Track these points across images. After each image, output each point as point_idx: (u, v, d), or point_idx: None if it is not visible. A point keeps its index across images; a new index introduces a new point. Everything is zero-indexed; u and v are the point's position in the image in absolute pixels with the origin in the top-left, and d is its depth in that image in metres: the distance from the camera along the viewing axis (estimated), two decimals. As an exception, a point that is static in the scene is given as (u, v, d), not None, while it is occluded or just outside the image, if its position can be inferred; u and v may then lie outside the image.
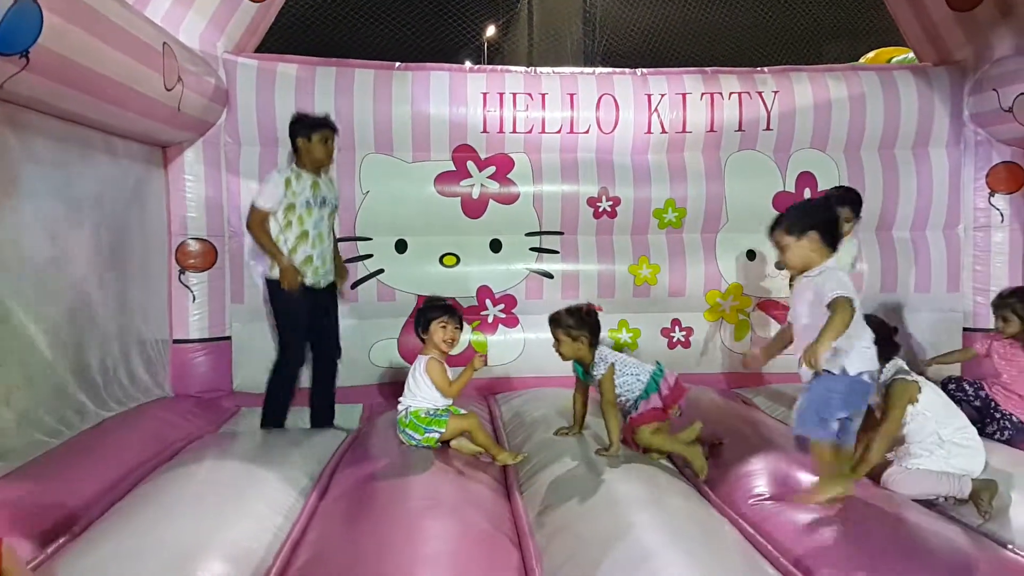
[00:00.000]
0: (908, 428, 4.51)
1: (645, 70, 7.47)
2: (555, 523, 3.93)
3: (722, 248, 7.38)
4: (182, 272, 6.73)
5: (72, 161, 5.26)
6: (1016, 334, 5.55)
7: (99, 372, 5.61)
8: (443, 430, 5.02)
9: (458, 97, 7.11)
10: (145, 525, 3.69)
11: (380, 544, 3.56)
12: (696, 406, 5.80)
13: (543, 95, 7.20)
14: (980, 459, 4.46)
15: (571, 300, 6.80)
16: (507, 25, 21.46)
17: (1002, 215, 7.31)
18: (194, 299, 6.77)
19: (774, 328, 7.13)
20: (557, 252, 7.32)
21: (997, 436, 5.33)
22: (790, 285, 5.30)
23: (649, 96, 7.25)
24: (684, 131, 7.29)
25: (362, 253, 7.10)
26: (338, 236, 6.44)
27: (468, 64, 7.83)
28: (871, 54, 13.56)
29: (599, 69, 7.86)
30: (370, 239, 7.12)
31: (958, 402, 4.87)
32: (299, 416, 6.05)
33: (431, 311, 5.28)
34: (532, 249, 7.31)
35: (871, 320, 4.85)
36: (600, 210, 7.26)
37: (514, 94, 7.17)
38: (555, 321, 5.15)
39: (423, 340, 5.30)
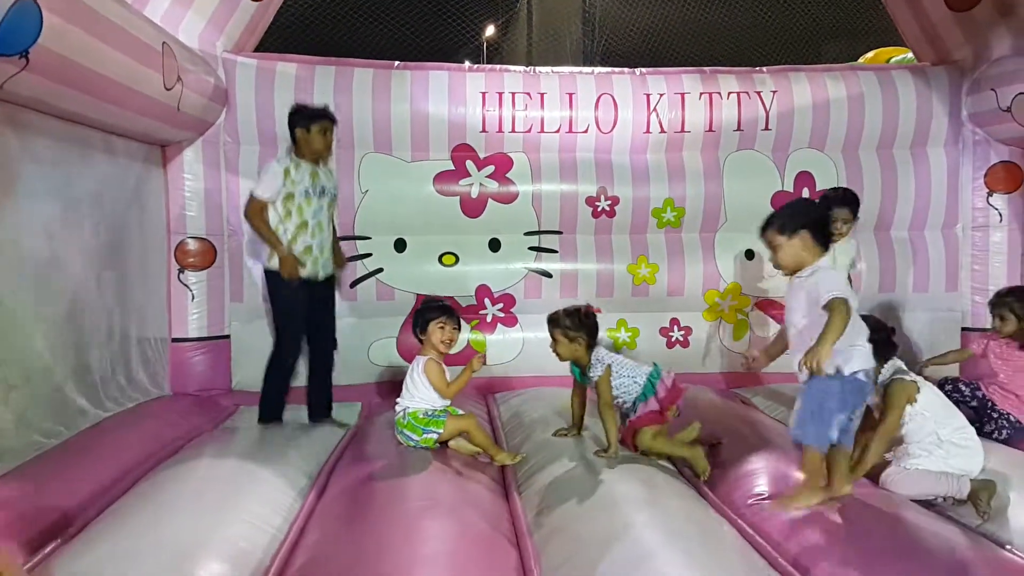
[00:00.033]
0: (907, 428, 4.52)
1: (644, 70, 7.48)
2: (553, 523, 3.94)
3: (721, 248, 7.39)
4: (181, 271, 6.74)
5: (72, 160, 5.26)
6: (1013, 333, 5.55)
7: (98, 371, 5.61)
8: (441, 431, 5.03)
9: (457, 96, 7.12)
10: (142, 525, 3.70)
11: (378, 545, 3.57)
12: (694, 406, 5.81)
13: (542, 95, 7.21)
14: (979, 459, 4.46)
15: (570, 299, 6.84)
16: (506, 25, 21.48)
17: (1000, 215, 7.32)
18: (193, 298, 6.78)
19: (773, 328, 7.14)
20: (556, 251, 7.32)
21: (995, 435, 5.33)
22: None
23: (648, 96, 7.26)
24: (683, 131, 7.29)
25: (361, 252, 7.10)
26: (337, 229, 6.44)
27: (467, 64, 7.82)
28: (870, 54, 13.57)
29: (598, 69, 7.85)
30: (369, 238, 7.13)
31: (955, 403, 4.86)
32: (297, 414, 6.05)
33: (429, 312, 5.29)
34: (531, 248, 7.31)
35: (869, 320, 4.86)
36: (599, 209, 7.27)
37: (513, 94, 7.17)
38: (553, 322, 5.15)
39: (421, 341, 5.30)
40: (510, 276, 7.28)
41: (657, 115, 7.24)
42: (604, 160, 7.31)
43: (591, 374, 5.04)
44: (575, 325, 5.07)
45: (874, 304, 7.18)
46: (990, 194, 7.33)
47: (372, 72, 7.08)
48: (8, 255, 4.58)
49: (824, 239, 4.06)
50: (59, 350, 5.12)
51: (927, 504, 4.31)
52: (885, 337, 4.73)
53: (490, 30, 21.36)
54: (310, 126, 5.86)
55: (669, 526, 3.72)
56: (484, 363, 5.73)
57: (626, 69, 7.52)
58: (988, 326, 5.88)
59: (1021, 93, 6.49)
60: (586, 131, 7.26)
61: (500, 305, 7.29)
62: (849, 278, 6.34)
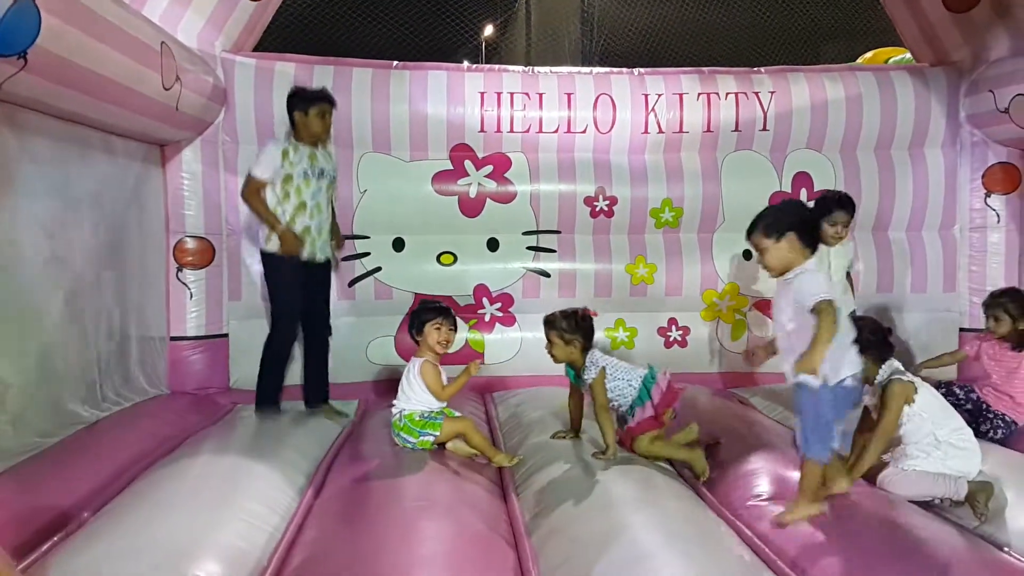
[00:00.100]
0: (904, 429, 4.51)
1: (642, 70, 7.48)
2: (551, 524, 3.94)
3: (719, 248, 7.39)
4: (180, 269, 6.74)
5: (71, 160, 5.26)
6: (1007, 334, 5.56)
7: (96, 370, 5.62)
8: (438, 433, 5.02)
9: (456, 96, 7.12)
10: (139, 524, 3.69)
11: (376, 544, 3.57)
12: (692, 406, 5.82)
13: (540, 95, 7.21)
14: (976, 461, 4.46)
15: (568, 299, 6.87)
16: (505, 25, 21.48)
17: (998, 215, 7.33)
18: (191, 296, 6.78)
19: (771, 327, 7.12)
20: (554, 251, 7.32)
21: (991, 435, 5.33)
22: None
23: (646, 96, 7.26)
24: (681, 131, 7.30)
25: (360, 251, 7.10)
26: (336, 211, 6.48)
27: (466, 63, 7.83)
28: (868, 54, 13.56)
29: (596, 69, 7.85)
30: (368, 237, 7.13)
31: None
32: (294, 406, 6.08)
33: (425, 313, 5.28)
34: (529, 248, 7.31)
35: (866, 321, 4.87)
36: (597, 209, 7.27)
37: (511, 94, 7.18)
38: (549, 323, 5.15)
39: (417, 342, 5.30)
40: (508, 276, 7.28)
41: (655, 115, 7.25)
42: (602, 160, 7.32)
43: (585, 376, 5.04)
44: (571, 327, 5.06)
45: (872, 304, 7.19)
46: (988, 195, 7.34)
47: (371, 72, 7.08)
48: (7, 255, 4.58)
49: (812, 241, 4.02)
50: (57, 349, 5.13)
51: (925, 505, 4.31)
52: (882, 338, 4.72)
53: (489, 30, 21.37)
54: (308, 109, 5.89)
55: (667, 527, 3.72)
56: (483, 362, 5.74)
57: (624, 69, 7.52)
58: (984, 327, 5.88)
59: (1019, 94, 6.50)
60: (584, 131, 7.26)
61: (498, 305, 7.29)
62: (849, 278, 6.37)
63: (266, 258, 6.00)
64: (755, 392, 6.89)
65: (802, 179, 7.37)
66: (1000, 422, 5.42)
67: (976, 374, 5.82)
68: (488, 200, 7.20)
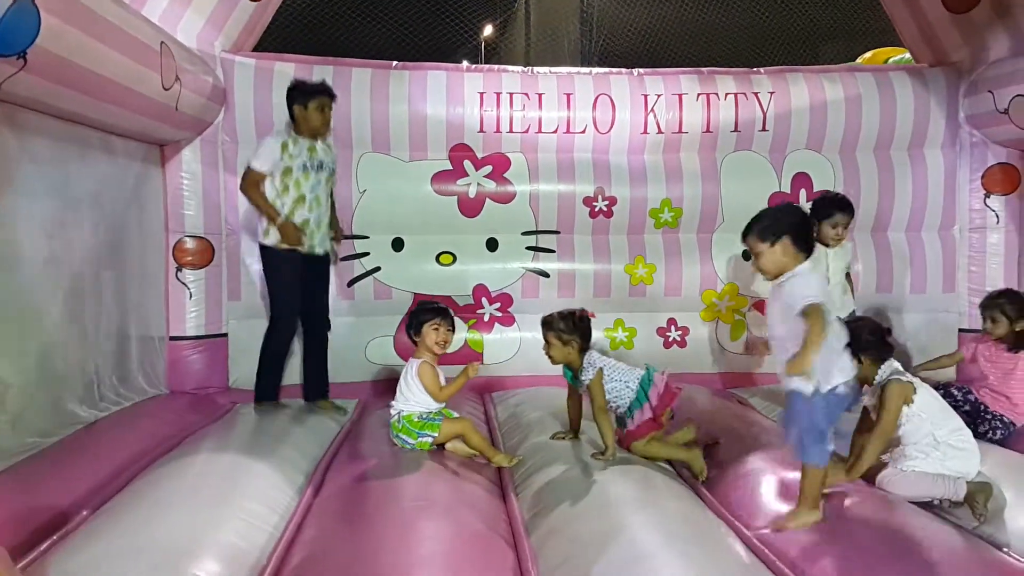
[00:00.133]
0: (904, 429, 4.51)
1: (641, 70, 7.48)
2: (550, 524, 3.94)
3: (718, 248, 7.39)
4: (179, 269, 6.74)
5: (70, 160, 5.27)
6: (1003, 335, 5.56)
7: (95, 370, 5.62)
8: (436, 434, 5.02)
9: (455, 96, 7.12)
10: (138, 523, 3.69)
11: (375, 544, 3.58)
12: (691, 406, 5.82)
13: (540, 95, 7.21)
14: (975, 461, 4.45)
15: (567, 299, 6.88)
16: (504, 25, 21.47)
17: (997, 216, 7.33)
18: (191, 296, 6.78)
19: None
20: (553, 251, 7.32)
21: (990, 436, 5.32)
22: None
23: (645, 96, 7.26)
24: (680, 131, 7.30)
25: (359, 251, 7.11)
26: (336, 203, 6.52)
27: (465, 64, 7.83)
28: (868, 54, 13.56)
29: (596, 69, 7.86)
30: (367, 237, 7.13)
31: (948, 408, 4.86)
32: (294, 415, 6.06)
33: (423, 313, 5.28)
34: (528, 248, 7.32)
35: (865, 321, 4.88)
36: (596, 210, 7.27)
37: (511, 94, 7.18)
38: (547, 324, 5.14)
39: (415, 343, 5.30)
40: (507, 276, 7.29)
41: (655, 116, 7.25)
42: (602, 160, 7.32)
43: (583, 377, 5.03)
44: (569, 328, 5.05)
45: (871, 305, 7.19)
46: (987, 196, 7.34)
47: (370, 72, 7.09)
48: (6, 254, 4.58)
49: (806, 245, 4.00)
50: (57, 349, 5.13)
51: (924, 506, 4.30)
52: (881, 338, 4.73)
53: (488, 30, 21.35)
54: (307, 103, 5.91)
55: (666, 527, 3.72)
56: (482, 362, 5.73)
57: (624, 70, 7.52)
58: (981, 328, 5.86)
59: (1019, 95, 6.50)
60: (584, 131, 7.26)
61: (497, 305, 7.29)
62: (848, 279, 6.37)
63: (264, 252, 6.03)
64: (754, 392, 6.89)
65: (801, 179, 7.37)
66: (998, 423, 5.42)
67: (972, 375, 5.82)
68: (487, 200, 7.21)
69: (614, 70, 7.55)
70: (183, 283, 6.76)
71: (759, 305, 7.36)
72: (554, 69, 7.64)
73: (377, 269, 7.13)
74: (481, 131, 7.17)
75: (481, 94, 7.15)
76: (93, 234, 5.55)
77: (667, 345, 7.43)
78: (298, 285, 6.04)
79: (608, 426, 4.89)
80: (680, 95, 7.27)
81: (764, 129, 7.33)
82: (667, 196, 7.29)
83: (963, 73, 7.32)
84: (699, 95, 7.28)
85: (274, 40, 8.14)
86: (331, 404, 6.27)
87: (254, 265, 6.75)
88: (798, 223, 4.06)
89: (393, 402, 5.19)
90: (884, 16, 8.01)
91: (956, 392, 5.58)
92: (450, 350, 5.34)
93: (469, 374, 5.05)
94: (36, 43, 3.93)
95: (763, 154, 7.41)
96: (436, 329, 5.18)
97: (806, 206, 6.15)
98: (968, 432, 4.57)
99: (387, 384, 6.59)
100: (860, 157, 7.41)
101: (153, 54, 5.35)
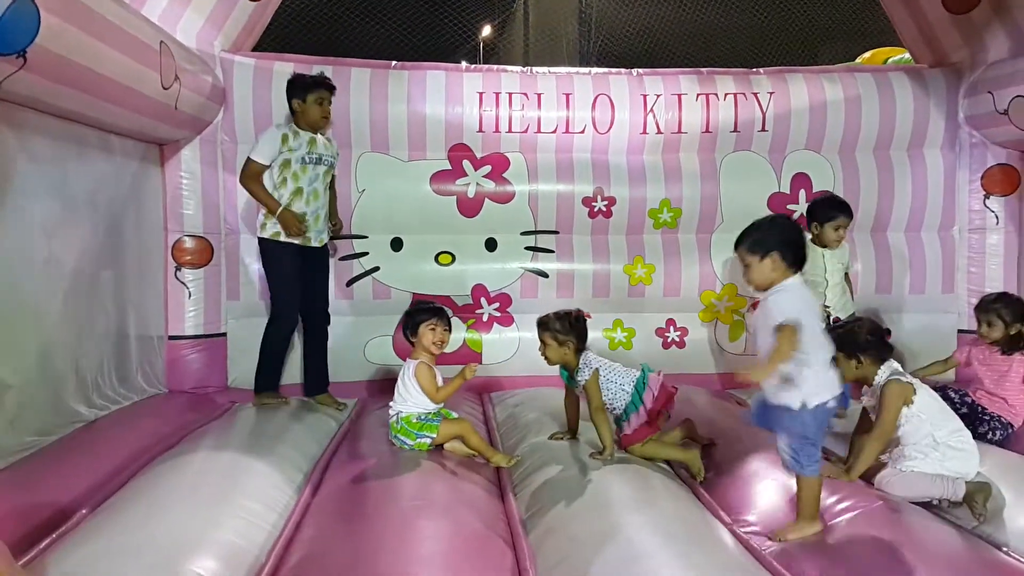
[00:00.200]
0: (903, 430, 4.51)
1: (641, 70, 7.48)
2: (548, 524, 3.95)
3: (717, 249, 7.38)
4: (178, 269, 6.73)
5: (69, 159, 5.26)
6: (998, 339, 5.55)
7: (94, 369, 5.62)
8: (435, 435, 5.02)
9: (454, 96, 7.12)
10: (137, 521, 3.69)
11: (374, 543, 3.58)
12: (690, 407, 5.81)
13: (539, 95, 7.21)
14: (974, 462, 4.46)
15: (566, 299, 6.88)
16: (503, 25, 21.47)
17: (997, 217, 7.32)
18: (190, 296, 6.77)
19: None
20: (552, 251, 7.32)
21: (989, 436, 5.32)
22: None
23: (645, 96, 7.26)
24: (679, 132, 7.29)
25: (358, 251, 7.10)
26: (337, 194, 6.59)
27: (464, 64, 7.83)
28: (867, 54, 13.56)
29: (595, 69, 7.86)
30: (366, 237, 7.13)
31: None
32: (294, 413, 6.06)
33: (419, 314, 5.28)
34: (527, 248, 7.31)
35: (866, 322, 4.88)
36: (595, 210, 7.27)
37: (510, 94, 7.18)
38: (543, 325, 5.14)
39: (411, 343, 5.30)
40: (506, 276, 7.28)
41: (654, 116, 7.25)
42: (601, 160, 7.32)
43: (578, 378, 5.03)
44: (565, 329, 5.06)
45: (870, 306, 7.19)
46: (987, 196, 7.33)
47: (369, 72, 7.09)
48: (4, 253, 4.58)
49: (796, 259, 3.98)
50: (55, 348, 5.12)
51: (923, 506, 4.30)
52: (881, 338, 4.73)
53: (487, 30, 21.36)
54: (306, 96, 5.95)
55: (664, 527, 3.73)
56: (480, 362, 5.73)
57: (623, 70, 7.52)
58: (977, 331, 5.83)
59: (1018, 96, 6.50)
60: (583, 131, 7.26)
61: (496, 305, 7.29)
62: (848, 280, 6.37)
63: (263, 245, 6.05)
64: (753, 394, 6.84)
65: (801, 180, 7.36)
66: (997, 423, 5.41)
67: (969, 378, 5.81)
68: (486, 200, 7.20)
69: (613, 70, 7.55)
70: (182, 282, 6.75)
71: (758, 306, 7.35)
72: (553, 69, 7.63)
73: (376, 269, 7.12)
74: (480, 131, 7.16)
75: (480, 94, 7.15)
76: (92, 233, 5.55)
77: (666, 346, 7.43)
78: (298, 278, 6.07)
79: (606, 426, 4.89)
80: (679, 95, 7.26)
81: (763, 129, 7.33)
82: (666, 196, 7.28)
83: (963, 74, 7.32)
84: (698, 95, 7.27)
85: (273, 40, 8.14)
86: (331, 399, 6.29)
87: (253, 264, 6.77)
88: (789, 238, 4.02)
89: (392, 403, 5.19)
90: (883, 16, 8.01)
91: (953, 395, 5.56)
92: (448, 350, 5.35)
93: (466, 375, 5.05)
94: (36, 42, 3.92)
95: (762, 154, 7.40)
96: (433, 329, 5.18)
97: (804, 208, 6.16)
98: (967, 433, 4.57)
99: (386, 384, 6.59)
100: (860, 157, 7.41)
101: (152, 53, 5.35)
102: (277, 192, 5.91)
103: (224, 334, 6.99)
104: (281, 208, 5.87)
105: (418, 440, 5.01)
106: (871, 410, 4.65)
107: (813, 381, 3.82)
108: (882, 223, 7.45)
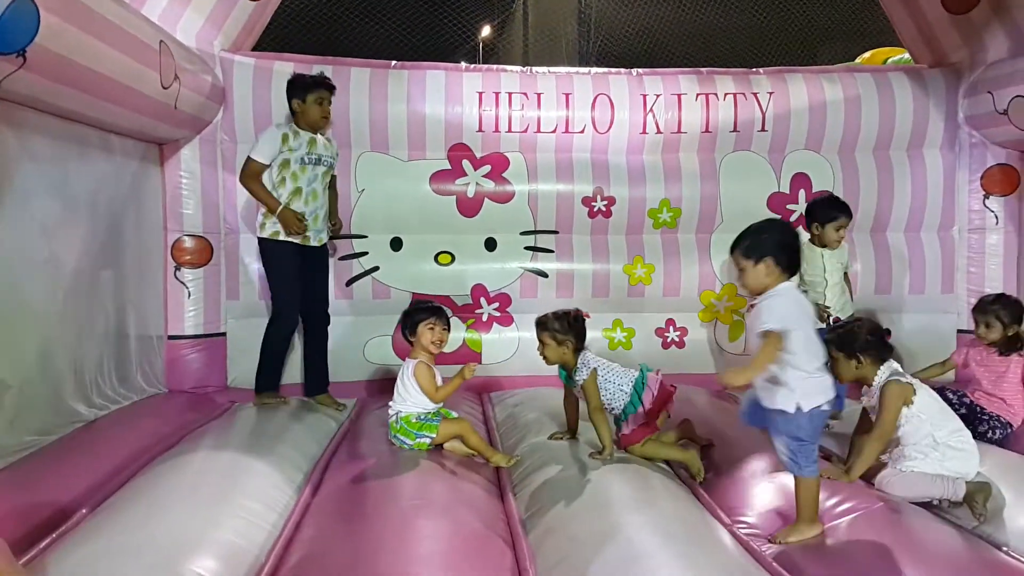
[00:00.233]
0: (903, 430, 4.50)
1: (640, 70, 7.48)
2: (548, 524, 3.94)
3: (716, 249, 7.37)
4: (178, 268, 6.74)
5: (69, 158, 5.26)
6: (996, 340, 5.55)
7: (94, 369, 5.62)
8: (434, 435, 5.01)
9: (454, 96, 7.12)
10: (137, 521, 3.68)
11: (374, 543, 3.57)
12: (689, 407, 5.81)
13: (539, 95, 7.21)
14: (974, 462, 4.45)
15: (566, 299, 6.88)
16: (502, 25, 21.46)
17: (996, 217, 7.33)
18: (189, 295, 6.78)
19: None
20: (552, 251, 7.32)
21: (989, 436, 5.31)
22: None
23: (644, 96, 7.26)
24: (679, 131, 7.30)
25: (357, 251, 7.10)
26: (338, 194, 6.61)
27: (464, 64, 7.83)
28: (867, 54, 13.56)
29: (595, 69, 7.85)
30: (365, 237, 7.13)
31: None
32: (294, 413, 6.06)
33: (417, 313, 5.27)
34: (527, 248, 7.31)
35: (865, 322, 4.87)
36: (595, 210, 7.27)
37: (510, 94, 7.18)
38: (541, 324, 5.13)
39: (410, 343, 5.29)
40: (506, 276, 7.28)
41: (653, 116, 7.25)
42: (600, 160, 7.32)
43: (576, 378, 5.02)
44: (563, 329, 5.04)
45: (870, 306, 7.19)
46: (986, 196, 7.34)
47: (369, 72, 7.09)
48: (4, 253, 4.58)
49: (790, 264, 3.97)
50: (55, 348, 5.13)
51: (923, 506, 4.30)
52: (881, 339, 4.73)
53: (486, 30, 21.34)
54: (306, 96, 5.96)
55: (663, 527, 3.72)
56: (479, 362, 5.73)
57: (622, 70, 7.52)
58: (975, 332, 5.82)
59: (1018, 96, 6.51)
60: (582, 131, 7.26)
61: (496, 304, 7.29)
62: (847, 280, 6.36)
63: (263, 245, 6.05)
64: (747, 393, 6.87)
65: (800, 180, 7.37)
66: (996, 423, 5.41)
67: (967, 379, 5.80)
68: (486, 200, 7.21)
69: (613, 70, 7.55)
70: (181, 282, 6.75)
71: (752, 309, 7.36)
72: (553, 69, 7.63)
73: (375, 269, 7.12)
74: (480, 131, 7.16)
75: (480, 94, 7.15)
76: (92, 233, 5.55)
77: (665, 346, 7.43)
78: (298, 277, 6.07)
79: (604, 425, 4.88)
80: (679, 95, 7.27)
81: (763, 129, 7.33)
82: (666, 196, 7.29)
83: (962, 74, 7.33)
84: (698, 95, 7.28)
85: (273, 39, 8.13)
86: (331, 399, 6.29)
87: (253, 264, 6.77)
88: (784, 243, 4.00)
89: (391, 403, 5.18)
90: (883, 16, 8.02)
91: (951, 395, 5.55)
92: (448, 350, 5.34)
93: (465, 375, 5.04)
94: (35, 41, 3.93)
95: (762, 154, 7.41)
96: (431, 328, 5.18)
97: (803, 208, 6.15)
98: (967, 433, 4.57)
99: (386, 384, 6.58)
100: (859, 158, 7.41)
101: (152, 53, 5.35)
102: (276, 192, 5.92)
103: (224, 334, 6.99)
104: (281, 207, 5.87)
105: (417, 440, 5.00)
106: (871, 410, 4.65)
107: (807, 385, 3.83)
108: (882, 223, 7.45)
